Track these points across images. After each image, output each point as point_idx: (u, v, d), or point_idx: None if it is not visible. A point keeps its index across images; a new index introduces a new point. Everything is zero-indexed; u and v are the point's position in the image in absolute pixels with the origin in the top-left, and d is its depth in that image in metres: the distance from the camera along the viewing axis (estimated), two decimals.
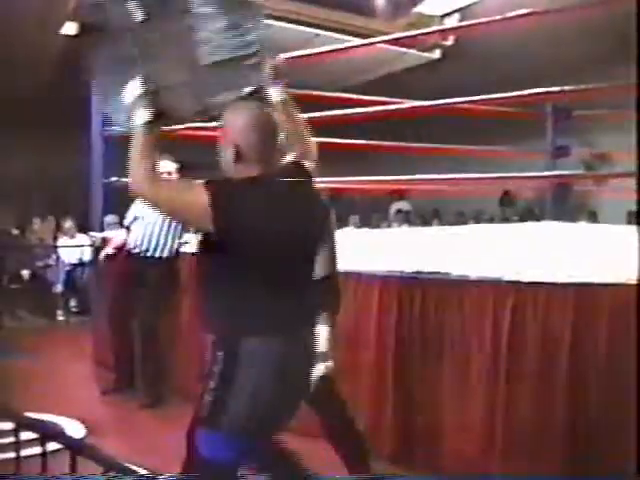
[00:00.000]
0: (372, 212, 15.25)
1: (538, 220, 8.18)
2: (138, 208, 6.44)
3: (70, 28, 11.88)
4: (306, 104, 7.12)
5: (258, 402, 2.85)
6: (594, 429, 4.00)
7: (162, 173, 5.74)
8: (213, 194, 2.71)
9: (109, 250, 7.51)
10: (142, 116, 2.80)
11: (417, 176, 6.84)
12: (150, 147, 2.78)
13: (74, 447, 2.09)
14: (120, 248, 7.02)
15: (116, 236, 7.50)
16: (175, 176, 6.17)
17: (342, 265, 4.00)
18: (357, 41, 9.95)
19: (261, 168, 2.90)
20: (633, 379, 3.74)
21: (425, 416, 4.73)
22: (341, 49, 7.79)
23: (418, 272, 4.84)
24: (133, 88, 2.86)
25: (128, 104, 2.86)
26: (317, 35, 12.58)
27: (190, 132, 6.75)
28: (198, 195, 2.71)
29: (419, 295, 4.76)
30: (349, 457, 3.98)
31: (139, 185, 2.75)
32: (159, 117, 2.85)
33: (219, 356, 2.80)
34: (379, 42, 8.92)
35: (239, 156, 2.89)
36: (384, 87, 10.80)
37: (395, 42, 10.83)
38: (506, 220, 14.72)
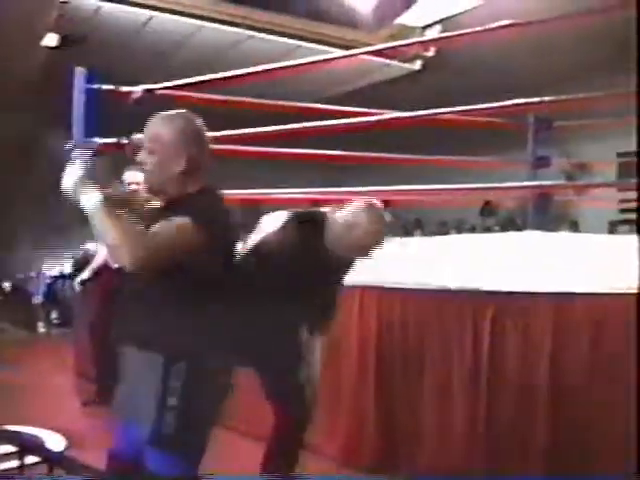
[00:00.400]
0: None
1: (520, 230, 8.20)
2: None
3: (51, 39, 11.87)
4: (286, 115, 7.16)
5: (215, 417, 2.86)
6: (576, 441, 4.00)
7: (130, 184, 5.71)
8: (197, 220, 2.63)
9: (85, 275, 7.47)
10: (92, 197, 2.53)
11: (398, 187, 6.84)
12: (115, 214, 2.55)
13: (53, 460, 2.09)
14: (102, 267, 6.95)
15: (98, 254, 7.41)
16: (143, 186, 6.08)
17: None
18: (339, 52, 9.96)
19: (205, 179, 2.82)
20: (615, 388, 3.77)
21: (406, 426, 4.73)
22: (322, 60, 7.78)
23: (398, 283, 4.85)
24: (73, 171, 2.59)
25: (71, 189, 2.58)
26: (299, 46, 12.61)
27: None
28: (185, 226, 2.61)
29: (399, 306, 4.77)
30: (279, 454, 3.91)
31: (134, 256, 2.49)
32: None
33: (175, 372, 2.68)
34: (360, 53, 8.93)
35: (190, 167, 2.77)
36: (365, 98, 10.82)
37: (376, 53, 10.85)
38: (488, 230, 14.77)
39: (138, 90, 6.61)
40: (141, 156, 2.84)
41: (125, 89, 6.62)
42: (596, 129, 11.47)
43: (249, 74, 6.91)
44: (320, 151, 7.73)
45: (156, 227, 2.59)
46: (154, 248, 2.55)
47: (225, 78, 6.86)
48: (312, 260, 3.64)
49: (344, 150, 7.77)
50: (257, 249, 3.66)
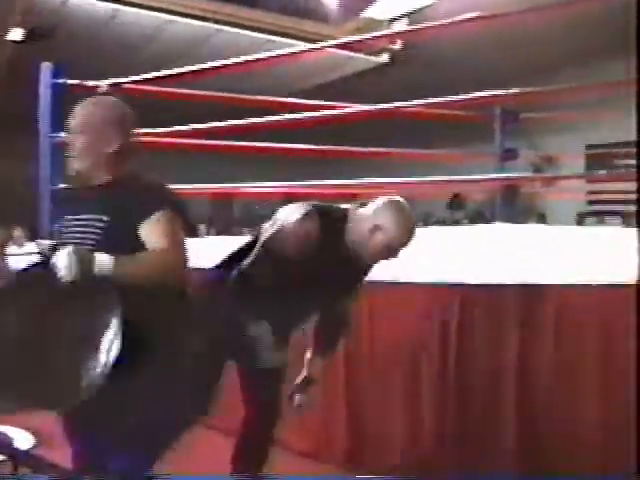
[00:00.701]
0: None
1: (488, 222, 8.22)
2: None
3: (16, 34, 11.78)
4: (254, 109, 7.14)
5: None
6: (543, 432, 4.02)
7: None
8: (172, 207, 2.66)
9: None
10: (102, 261, 2.45)
11: (366, 180, 6.84)
12: (128, 258, 2.52)
13: (19, 458, 2.07)
14: None
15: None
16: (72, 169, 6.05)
17: None
18: (307, 46, 9.94)
19: (134, 164, 2.82)
20: (581, 379, 3.79)
21: (376, 421, 4.73)
22: (290, 54, 7.77)
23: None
24: (66, 255, 2.44)
25: (77, 269, 2.41)
26: (268, 41, 12.61)
27: None
28: (171, 217, 2.63)
29: (367, 300, 4.75)
30: (246, 452, 3.81)
31: (176, 274, 2.58)
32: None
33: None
34: (328, 46, 8.94)
35: (123, 148, 2.76)
36: (336, 91, 10.83)
37: (344, 46, 10.86)
38: (456, 223, 14.84)
39: (104, 84, 6.57)
40: (69, 138, 2.80)
41: (91, 83, 6.58)
42: (563, 121, 11.56)
43: (216, 68, 6.89)
44: (285, 145, 7.74)
45: (159, 236, 2.58)
46: (179, 256, 2.60)
47: (193, 72, 6.83)
48: (328, 259, 3.39)
49: (309, 144, 7.78)
50: (271, 241, 3.40)
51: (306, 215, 3.31)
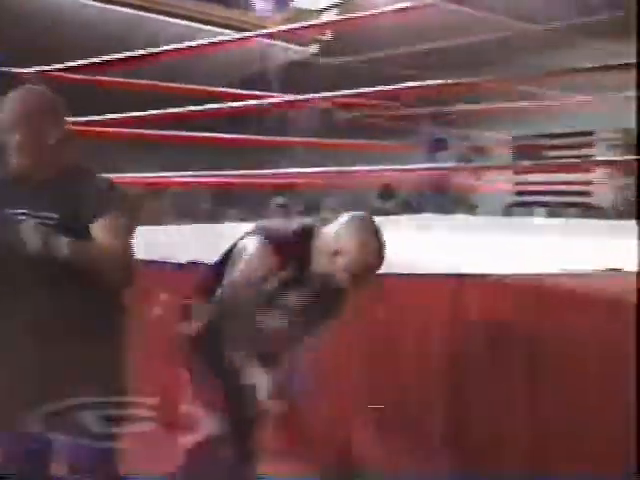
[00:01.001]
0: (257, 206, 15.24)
1: (415, 212, 8.29)
2: None
3: None
4: (182, 98, 7.08)
5: None
6: (473, 418, 4.05)
7: None
8: (126, 205, 2.69)
9: None
10: (62, 241, 2.42)
11: (298, 169, 6.83)
12: (83, 242, 2.51)
13: None
14: None
15: None
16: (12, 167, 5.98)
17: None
18: (235, 35, 9.90)
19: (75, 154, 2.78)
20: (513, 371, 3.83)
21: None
22: (217, 43, 7.72)
23: None
24: (31, 229, 2.42)
25: (40, 244, 2.40)
26: (199, 29, 12.56)
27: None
28: (118, 216, 2.62)
29: None
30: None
31: (125, 263, 2.60)
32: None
33: None
34: (257, 36, 8.89)
35: (62, 139, 2.68)
36: (266, 80, 10.82)
37: (273, 36, 10.84)
38: (386, 213, 14.91)
39: (31, 71, 6.44)
40: (3, 137, 2.65)
41: (17, 70, 6.45)
42: (493, 113, 11.70)
43: (144, 56, 6.80)
44: (214, 134, 7.70)
45: (110, 235, 2.56)
46: (128, 253, 2.61)
47: (120, 60, 6.73)
48: (297, 285, 3.06)
49: (238, 134, 7.76)
50: (232, 285, 3.09)
51: (262, 255, 3.01)
